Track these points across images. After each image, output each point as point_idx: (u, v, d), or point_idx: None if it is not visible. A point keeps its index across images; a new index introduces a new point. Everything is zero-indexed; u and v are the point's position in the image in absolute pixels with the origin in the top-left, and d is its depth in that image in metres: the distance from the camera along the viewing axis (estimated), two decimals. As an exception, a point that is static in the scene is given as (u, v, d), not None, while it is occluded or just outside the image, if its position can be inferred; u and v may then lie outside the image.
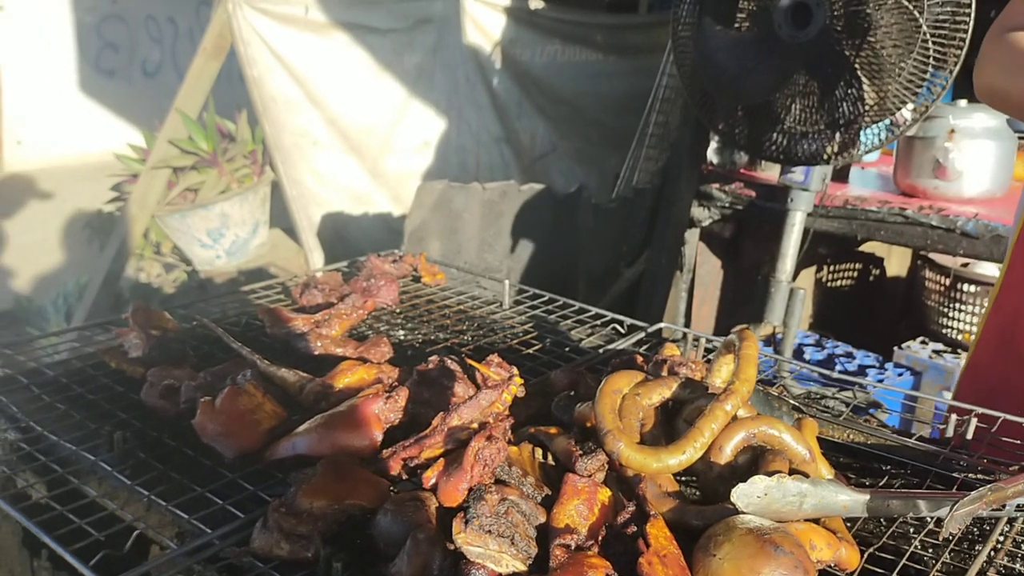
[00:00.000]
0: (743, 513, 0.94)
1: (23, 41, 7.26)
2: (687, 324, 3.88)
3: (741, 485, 0.94)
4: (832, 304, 4.29)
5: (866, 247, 4.24)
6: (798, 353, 3.44)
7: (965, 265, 3.70)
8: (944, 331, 3.69)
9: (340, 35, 4.51)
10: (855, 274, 4.41)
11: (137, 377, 1.38)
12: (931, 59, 2.41)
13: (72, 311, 4.16)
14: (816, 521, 0.98)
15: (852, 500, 0.97)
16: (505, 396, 1.11)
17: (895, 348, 3.57)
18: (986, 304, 3.48)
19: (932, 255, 3.71)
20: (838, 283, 4.36)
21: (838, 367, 3.46)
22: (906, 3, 2.39)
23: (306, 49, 4.38)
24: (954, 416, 1.28)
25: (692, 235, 3.77)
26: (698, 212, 3.66)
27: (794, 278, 3.01)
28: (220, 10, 4.09)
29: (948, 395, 3.22)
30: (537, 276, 3.27)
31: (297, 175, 4.41)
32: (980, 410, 1.27)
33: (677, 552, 0.90)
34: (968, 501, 0.91)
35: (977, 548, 1.05)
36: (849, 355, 3.58)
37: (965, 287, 3.57)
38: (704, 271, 3.93)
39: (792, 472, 1.01)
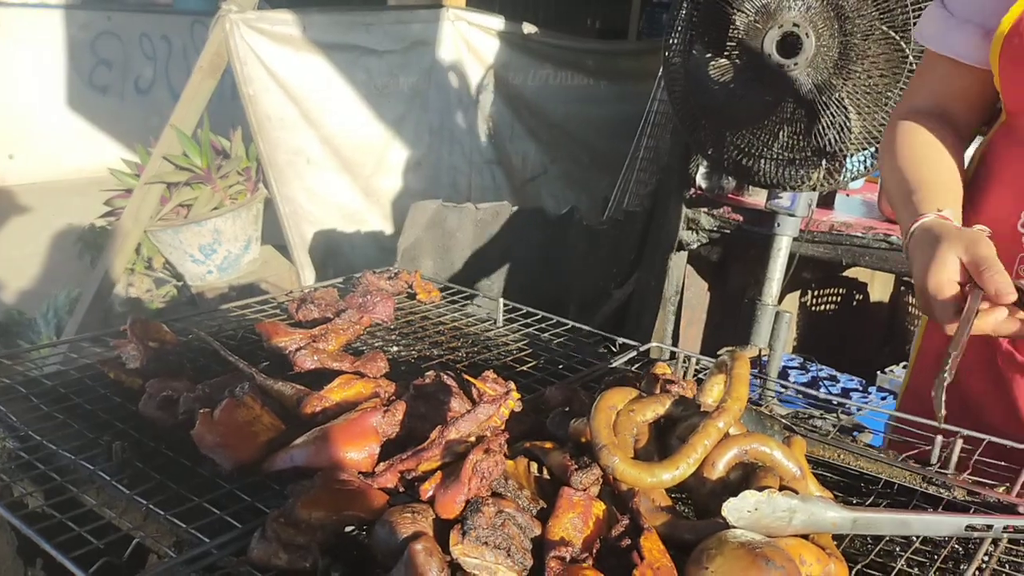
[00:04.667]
0: (734, 527, 0.96)
1: (16, 56, 7.25)
2: (675, 345, 3.91)
3: (732, 499, 0.96)
4: (816, 328, 4.34)
5: (850, 272, 4.29)
6: (783, 375, 3.47)
7: (948, 292, 3.73)
8: (927, 357, 3.72)
9: (336, 55, 4.56)
10: (839, 299, 4.45)
11: (135, 388, 1.38)
12: (916, 89, 2.46)
13: (63, 324, 4.15)
14: (805, 537, 1.01)
15: (840, 517, 1.00)
16: (503, 410, 1.13)
17: (878, 372, 3.60)
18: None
19: (916, 282, 3.75)
20: (822, 307, 4.40)
21: (822, 390, 3.49)
22: (893, 34, 2.45)
23: (302, 69, 4.41)
24: (939, 438, 1.30)
25: (680, 258, 3.81)
26: (686, 235, 3.70)
27: (779, 302, 3.05)
28: (218, 29, 4.12)
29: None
30: (529, 295, 3.28)
31: (290, 192, 4.43)
32: (966, 432, 1.30)
33: (671, 565, 0.92)
34: None
35: (962, 567, 1.08)
36: (833, 378, 3.61)
37: (948, 314, 3.60)
38: (691, 293, 3.97)
39: (782, 488, 1.04)
